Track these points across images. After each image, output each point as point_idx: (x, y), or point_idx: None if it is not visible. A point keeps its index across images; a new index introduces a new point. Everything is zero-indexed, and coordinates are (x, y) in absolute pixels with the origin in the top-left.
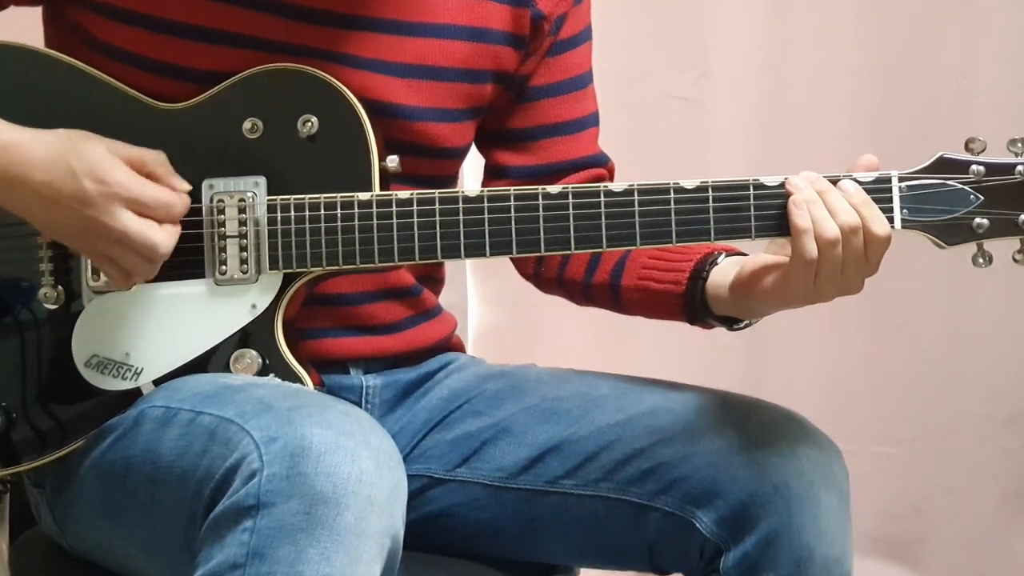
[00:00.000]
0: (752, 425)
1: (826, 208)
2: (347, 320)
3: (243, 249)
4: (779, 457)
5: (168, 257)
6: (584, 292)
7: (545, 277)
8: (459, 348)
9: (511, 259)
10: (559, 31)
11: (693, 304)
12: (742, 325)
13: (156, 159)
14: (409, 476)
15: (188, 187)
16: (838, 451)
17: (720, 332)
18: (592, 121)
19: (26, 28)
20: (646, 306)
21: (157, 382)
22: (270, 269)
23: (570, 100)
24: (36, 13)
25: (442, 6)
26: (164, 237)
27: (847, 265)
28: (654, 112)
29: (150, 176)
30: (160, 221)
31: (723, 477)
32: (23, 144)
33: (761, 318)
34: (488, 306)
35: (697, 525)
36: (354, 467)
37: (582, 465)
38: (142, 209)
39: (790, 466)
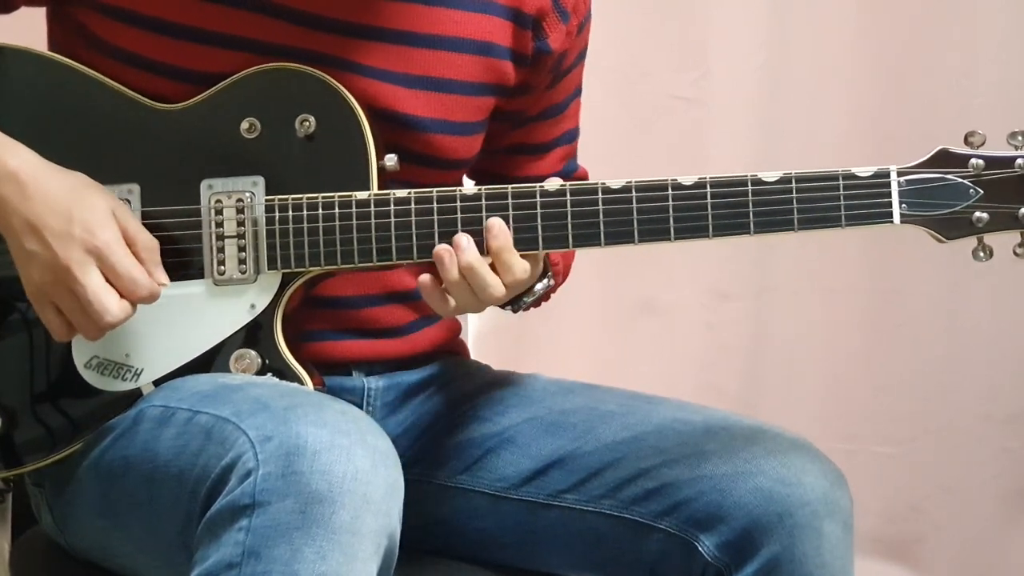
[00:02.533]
0: (759, 451)
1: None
2: (349, 323)
3: (242, 249)
4: (784, 485)
5: (113, 328)
6: None
7: None
8: (462, 352)
9: None
10: (561, 64)
11: None
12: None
13: (148, 244)
14: (410, 481)
15: (167, 281)
16: (844, 480)
17: (720, 331)
18: (565, 139)
19: (29, 28)
20: None
21: (157, 383)
22: (268, 269)
23: (547, 125)
24: (39, 13)
25: (451, 19)
26: (118, 309)
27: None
28: (654, 112)
29: (135, 256)
30: (121, 295)
31: (728, 502)
32: (35, 177)
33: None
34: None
35: (699, 548)
36: (349, 465)
37: (586, 481)
38: (110, 275)
39: (795, 495)
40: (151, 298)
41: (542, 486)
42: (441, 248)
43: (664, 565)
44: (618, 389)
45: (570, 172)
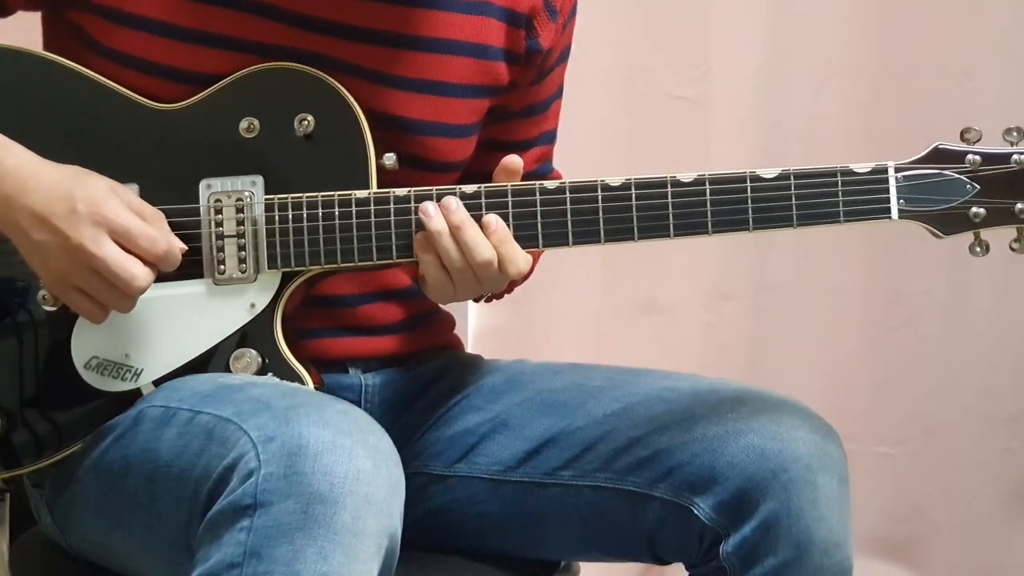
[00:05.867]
0: (747, 411)
1: (458, 243)
2: (345, 321)
3: (241, 248)
4: (776, 442)
5: (142, 293)
6: None
7: None
8: (458, 347)
9: None
10: (546, 62)
11: None
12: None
13: (153, 214)
14: (408, 474)
15: (184, 246)
16: (836, 434)
17: (720, 331)
18: (542, 140)
19: (24, 30)
20: None
21: (157, 383)
22: (268, 268)
23: (527, 123)
24: (35, 16)
25: (446, 21)
26: (143, 272)
27: (484, 283)
28: (654, 112)
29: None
30: (143, 259)
31: (720, 463)
32: (34, 172)
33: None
34: (487, 306)
35: (695, 512)
36: (351, 466)
37: (580, 456)
38: (126, 241)
39: (788, 450)
40: (170, 255)
41: (538, 465)
42: (427, 204)
43: (663, 533)
44: (604, 365)
45: (545, 174)
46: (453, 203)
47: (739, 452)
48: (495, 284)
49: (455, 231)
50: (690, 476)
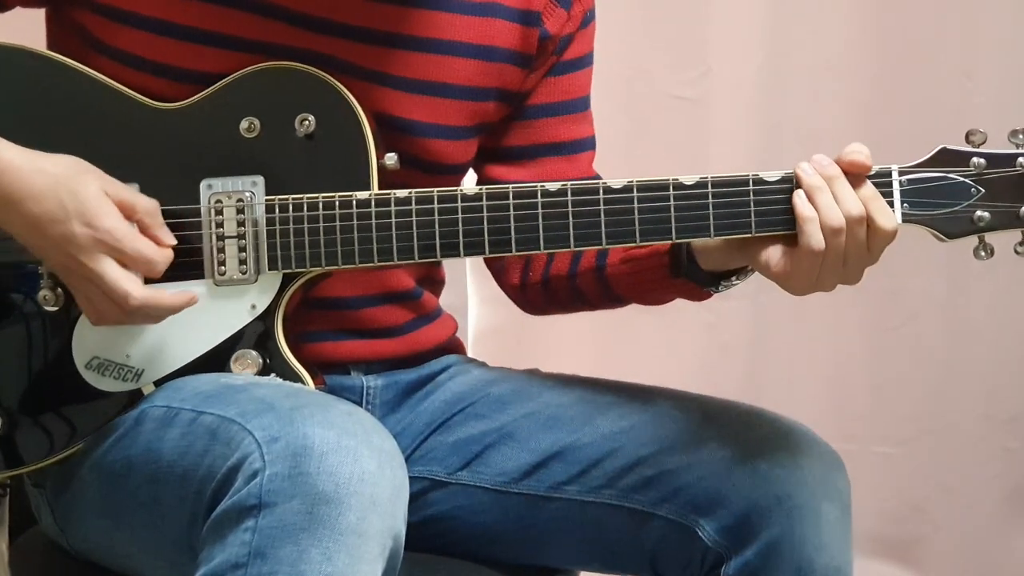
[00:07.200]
0: (756, 435)
1: (832, 196)
2: (348, 324)
3: (242, 249)
4: (782, 468)
5: (139, 310)
6: (570, 285)
7: (531, 281)
8: (460, 350)
9: (496, 277)
10: (563, 52)
11: (679, 258)
12: (732, 282)
13: (147, 207)
14: (410, 478)
15: (173, 241)
16: (841, 463)
17: (720, 332)
18: (589, 144)
19: (28, 29)
20: (632, 277)
21: (158, 383)
22: (269, 269)
23: (568, 121)
24: (38, 14)
25: (449, 23)
26: (139, 289)
27: (849, 255)
28: (654, 112)
29: (138, 224)
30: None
31: (726, 486)
32: (21, 169)
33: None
34: (488, 306)
35: (699, 533)
36: (356, 467)
37: (585, 472)
38: (123, 259)
39: (793, 477)
40: (166, 265)
41: (542, 479)
42: (801, 163)
43: (665, 552)
44: (614, 380)
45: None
46: (825, 159)
47: (745, 476)
48: (859, 259)
49: (830, 183)
50: (696, 497)
